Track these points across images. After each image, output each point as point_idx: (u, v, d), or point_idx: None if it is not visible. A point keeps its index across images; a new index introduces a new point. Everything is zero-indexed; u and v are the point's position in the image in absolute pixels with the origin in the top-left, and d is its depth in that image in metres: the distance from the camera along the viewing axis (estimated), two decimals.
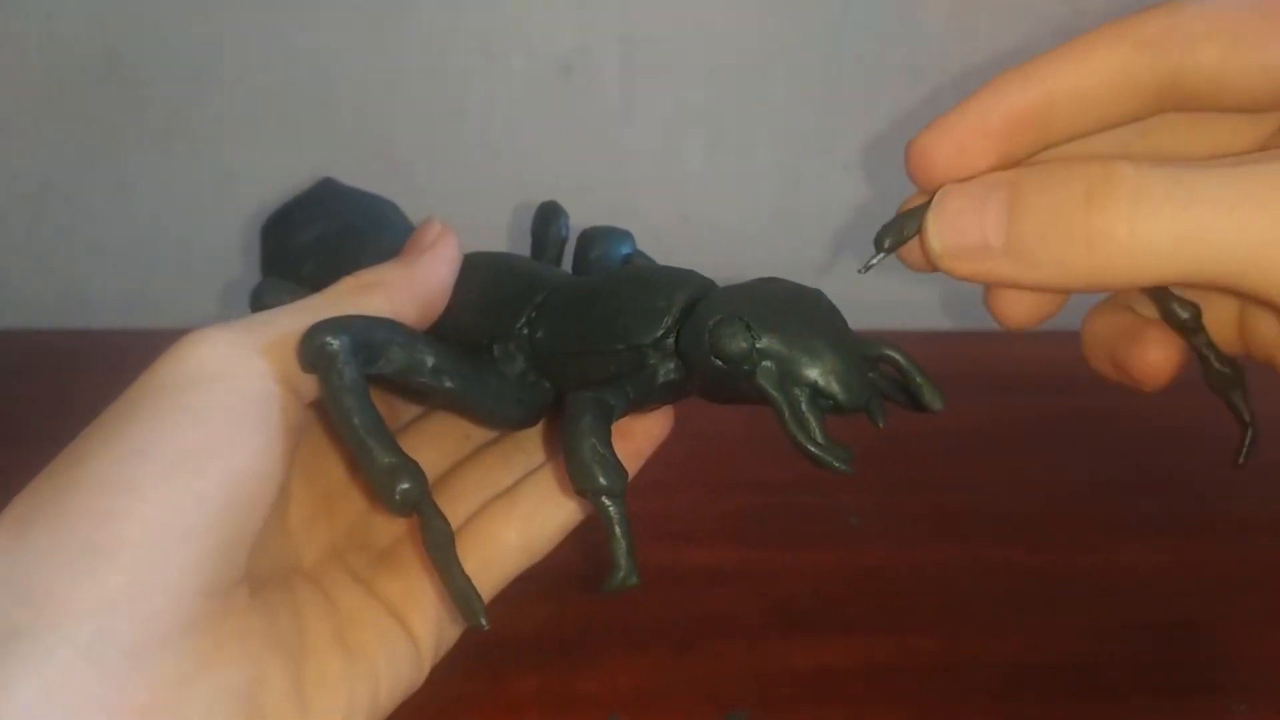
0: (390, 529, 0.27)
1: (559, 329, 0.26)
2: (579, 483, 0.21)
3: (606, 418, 0.22)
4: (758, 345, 0.21)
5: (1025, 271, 0.19)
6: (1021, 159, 0.21)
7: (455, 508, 0.27)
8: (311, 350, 0.21)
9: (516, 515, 0.26)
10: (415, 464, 0.21)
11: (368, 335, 0.22)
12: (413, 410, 0.30)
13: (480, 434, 0.30)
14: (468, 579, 0.20)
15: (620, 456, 0.22)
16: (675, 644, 0.32)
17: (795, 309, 0.22)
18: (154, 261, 0.54)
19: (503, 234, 0.52)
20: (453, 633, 0.26)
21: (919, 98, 0.52)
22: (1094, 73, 0.20)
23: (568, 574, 0.32)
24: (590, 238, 0.31)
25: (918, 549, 0.37)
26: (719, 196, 0.53)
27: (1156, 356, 0.22)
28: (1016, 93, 0.20)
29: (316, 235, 0.32)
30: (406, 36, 0.50)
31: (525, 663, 0.31)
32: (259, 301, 0.28)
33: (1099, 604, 0.34)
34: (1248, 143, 0.21)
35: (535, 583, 0.28)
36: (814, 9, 0.50)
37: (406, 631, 0.25)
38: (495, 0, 0.50)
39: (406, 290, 0.25)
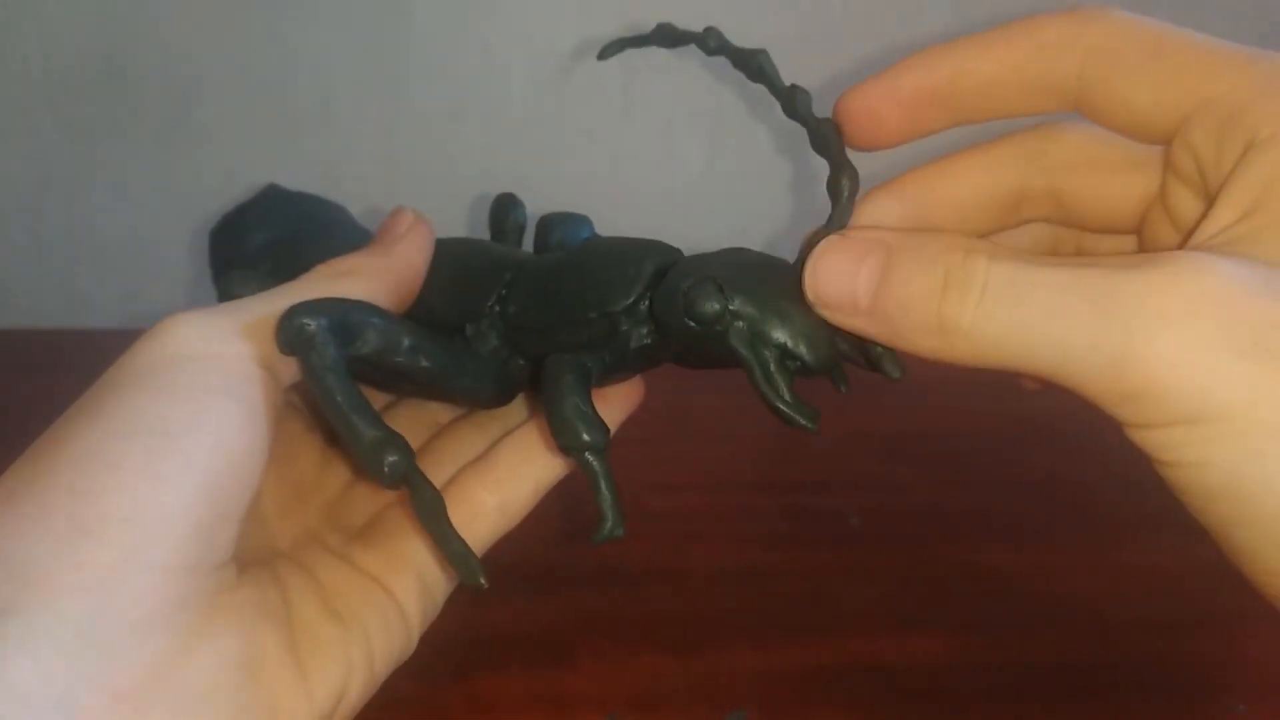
0: (364, 510, 0.27)
1: (530, 303, 0.26)
2: (563, 440, 0.22)
3: (586, 378, 0.23)
4: (730, 306, 0.22)
5: (886, 335, 0.20)
6: (932, 131, 0.23)
7: (433, 476, 0.27)
8: (290, 332, 0.22)
9: (492, 479, 0.27)
10: (400, 436, 0.21)
11: (344, 317, 0.23)
12: (379, 403, 0.30)
13: (447, 420, 0.30)
14: (463, 542, 0.20)
15: None
16: (675, 644, 0.32)
17: (765, 274, 0.23)
18: (153, 261, 0.54)
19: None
20: (437, 598, 0.26)
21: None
22: (997, 64, 0.21)
23: (568, 574, 0.32)
24: (549, 223, 0.31)
25: (918, 549, 0.37)
26: (719, 196, 0.53)
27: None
28: (926, 69, 0.22)
29: (268, 238, 0.33)
30: (406, 36, 0.50)
31: (526, 662, 0.31)
32: (227, 293, 0.28)
33: (1099, 604, 0.34)
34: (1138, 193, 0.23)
35: (536, 582, 0.28)
36: (814, 9, 0.50)
37: (391, 598, 0.25)
38: (495, 0, 0.50)
39: (380, 277, 0.25)
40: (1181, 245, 0.20)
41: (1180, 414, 0.16)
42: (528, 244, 0.32)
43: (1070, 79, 0.21)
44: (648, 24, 0.52)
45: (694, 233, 0.52)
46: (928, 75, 0.22)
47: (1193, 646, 0.33)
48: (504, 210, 0.32)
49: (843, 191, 0.23)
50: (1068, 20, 0.21)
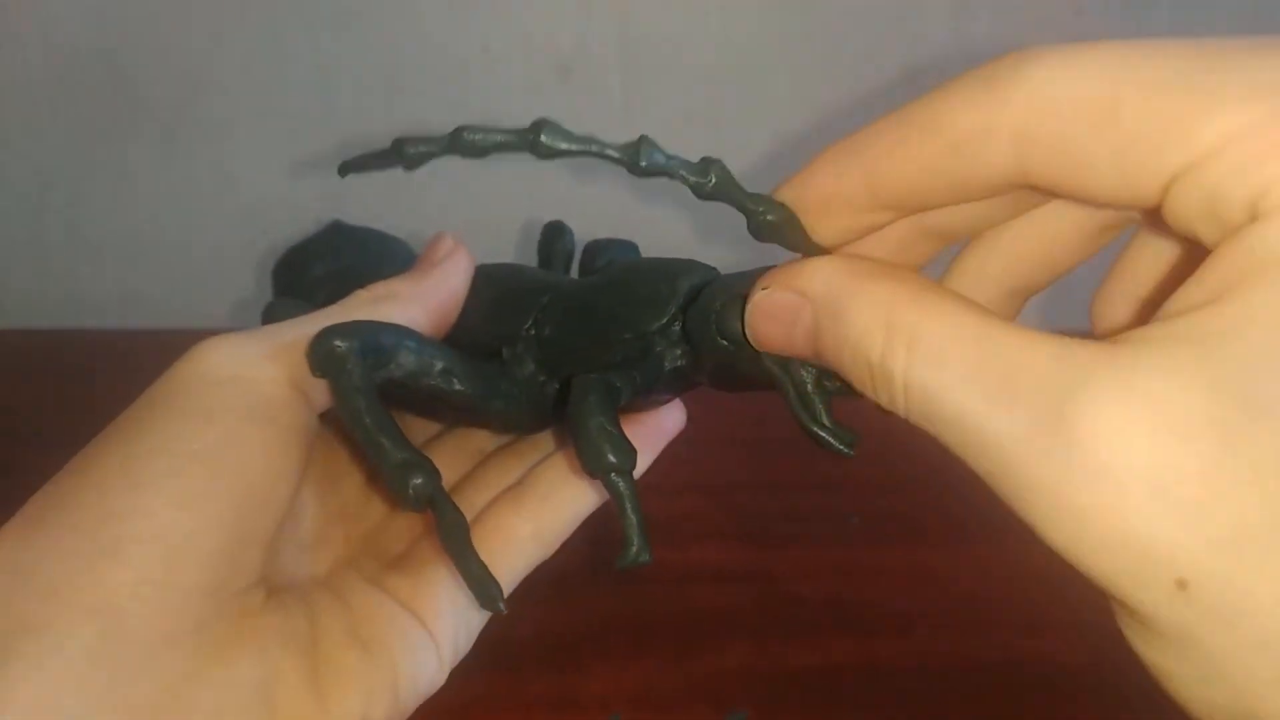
0: (403, 537, 0.27)
1: (565, 325, 0.26)
2: (587, 461, 0.21)
3: (612, 399, 0.22)
4: None
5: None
6: (878, 226, 0.19)
7: (469, 509, 0.27)
8: (321, 353, 0.22)
9: (526, 505, 0.26)
10: (427, 459, 0.21)
11: (377, 339, 0.22)
12: (428, 431, 0.30)
13: (492, 447, 0.30)
14: (484, 566, 0.20)
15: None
16: (675, 644, 0.32)
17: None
18: (153, 262, 0.54)
19: (501, 232, 0.52)
20: (471, 628, 0.26)
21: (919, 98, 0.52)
22: (912, 168, 0.17)
23: (569, 575, 0.32)
24: (596, 249, 0.31)
25: (918, 549, 0.37)
26: None
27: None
28: (834, 174, 0.19)
29: (326, 271, 0.33)
30: (406, 36, 0.50)
31: (527, 663, 0.31)
32: (270, 317, 0.28)
33: (1100, 604, 0.34)
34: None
35: (538, 584, 0.28)
36: (814, 9, 0.50)
37: (422, 626, 0.25)
38: (495, 0, 0.50)
39: (418, 301, 0.25)
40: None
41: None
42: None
43: (1007, 171, 0.16)
44: (647, 24, 0.52)
45: (693, 234, 0.52)
46: (836, 181, 0.19)
47: None
48: (552, 237, 0.32)
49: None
50: (979, 100, 0.16)
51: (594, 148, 0.21)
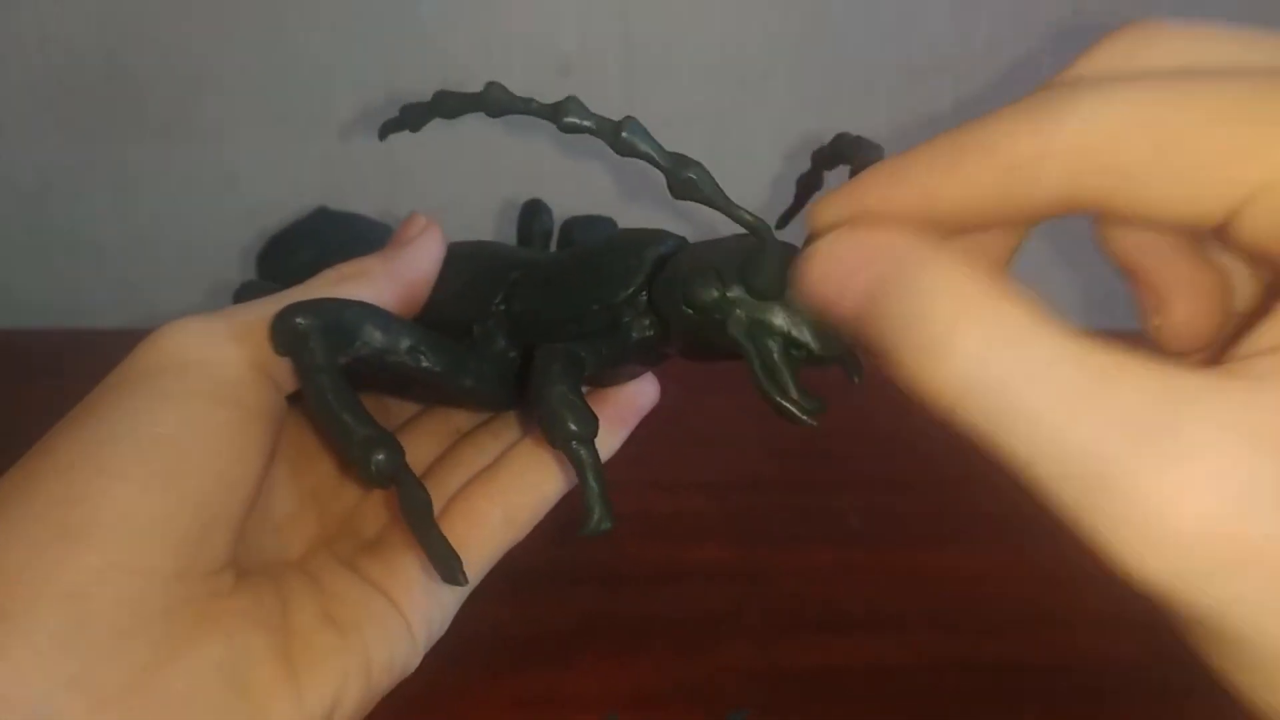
0: (377, 519, 0.27)
1: (534, 299, 0.26)
2: (549, 430, 0.21)
3: (576, 368, 0.22)
4: (729, 294, 0.21)
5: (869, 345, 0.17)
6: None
7: (443, 489, 0.27)
8: (284, 331, 0.22)
9: (496, 489, 0.26)
10: (391, 435, 0.21)
11: (341, 316, 0.22)
12: (405, 413, 0.30)
13: (470, 427, 0.30)
14: (445, 540, 0.20)
15: (602, 423, 0.21)
16: (675, 644, 0.32)
17: (769, 260, 0.22)
18: (153, 262, 0.54)
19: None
20: (446, 610, 0.26)
21: (918, 98, 0.52)
22: (968, 191, 0.17)
23: (568, 574, 0.32)
24: (573, 226, 0.31)
25: (918, 549, 0.37)
26: None
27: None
28: (890, 189, 0.18)
29: (309, 259, 0.33)
30: (406, 36, 0.50)
31: (526, 662, 0.31)
32: (241, 299, 0.28)
33: (1101, 605, 0.34)
34: None
35: (536, 582, 0.28)
36: (814, 9, 0.50)
37: (395, 608, 0.25)
38: (495, 0, 0.50)
39: (387, 280, 0.25)
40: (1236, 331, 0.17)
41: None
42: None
43: (1059, 193, 0.16)
44: (647, 24, 0.52)
45: (693, 234, 0.52)
46: (886, 200, 0.18)
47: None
48: (530, 215, 0.32)
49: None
50: (1034, 127, 0.16)
51: (531, 106, 0.23)
